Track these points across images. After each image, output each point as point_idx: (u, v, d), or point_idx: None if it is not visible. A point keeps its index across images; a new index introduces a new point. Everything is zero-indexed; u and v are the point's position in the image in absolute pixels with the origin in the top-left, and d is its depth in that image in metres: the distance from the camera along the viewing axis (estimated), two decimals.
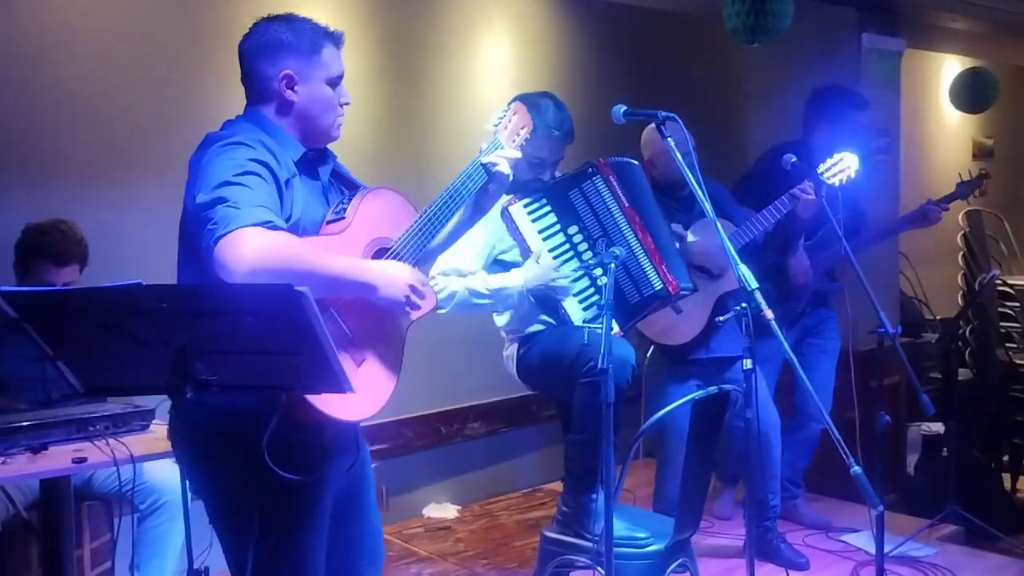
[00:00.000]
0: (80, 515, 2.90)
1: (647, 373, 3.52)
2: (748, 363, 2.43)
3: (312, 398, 1.80)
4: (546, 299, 2.93)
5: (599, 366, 2.23)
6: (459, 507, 4.46)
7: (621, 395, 2.68)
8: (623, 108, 2.62)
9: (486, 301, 2.91)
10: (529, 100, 3.01)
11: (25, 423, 2.47)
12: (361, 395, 1.84)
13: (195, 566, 1.83)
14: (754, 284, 2.38)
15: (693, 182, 2.45)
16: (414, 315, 2.04)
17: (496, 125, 2.35)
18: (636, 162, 3.12)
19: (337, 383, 1.70)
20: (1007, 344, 5.68)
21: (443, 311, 2.88)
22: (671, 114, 2.59)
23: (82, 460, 2.36)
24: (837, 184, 3.46)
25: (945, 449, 4.64)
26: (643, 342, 3.50)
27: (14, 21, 3.24)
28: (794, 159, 3.31)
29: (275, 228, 1.79)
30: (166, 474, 3.03)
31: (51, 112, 3.31)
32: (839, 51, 4.61)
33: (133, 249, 3.36)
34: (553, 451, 4.80)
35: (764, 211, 3.45)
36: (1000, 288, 5.98)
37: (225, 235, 1.73)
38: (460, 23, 4.49)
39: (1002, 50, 6.74)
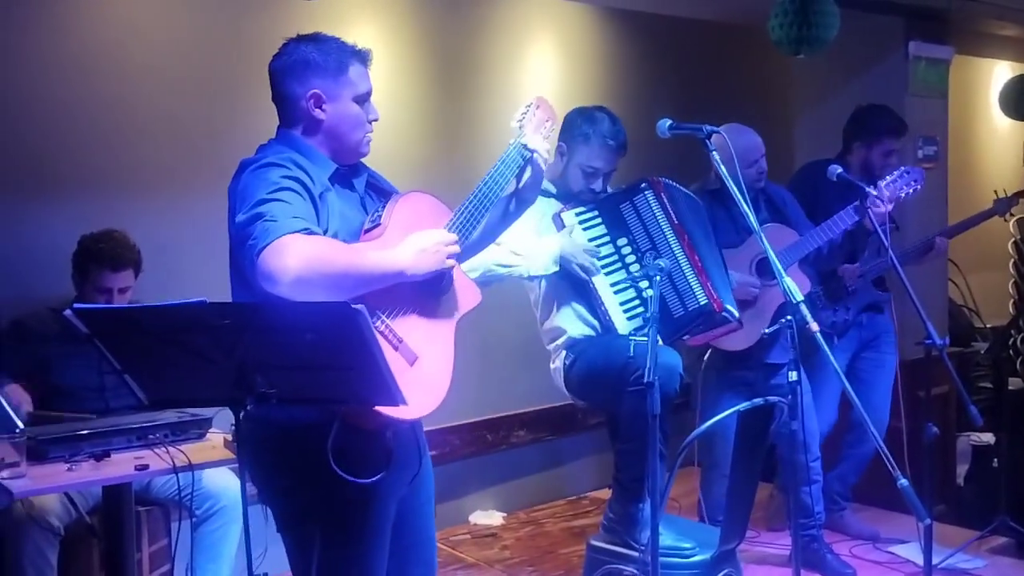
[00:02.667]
0: (139, 520, 2.99)
1: (703, 377, 3.54)
2: (793, 375, 2.45)
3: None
4: (575, 278, 2.96)
5: (646, 379, 2.26)
6: (505, 514, 4.51)
7: (669, 404, 2.71)
8: (668, 122, 2.64)
9: (519, 260, 2.92)
10: (585, 113, 3.09)
11: (88, 431, 2.56)
12: (417, 393, 1.87)
13: (253, 571, 1.89)
14: (799, 296, 2.39)
15: (736, 193, 2.47)
16: (463, 305, 2.07)
17: (520, 120, 2.33)
18: (696, 197, 3.19)
19: (391, 397, 1.75)
20: None
21: (475, 275, 2.83)
22: (716, 128, 2.61)
23: (144, 467, 2.43)
24: (903, 196, 3.47)
25: (995, 460, 4.57)
26: (700, 346, 3.52)
27: (69, 39, 3.35)
28: (840, 170, 3.32)
29: (312, 234, 1.85)
30: (221, 481, 3.12)
31: (104, 128, 3.42)
32: (886, 60, 4.59)
33: (183, 262, 3.47)
34: (598, 459, 4.84)
35: (830, 221, 3.46)
36: None
37: (266, 246, 1.79)
38: (506, 36, 4.55)
39: None
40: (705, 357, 3.56)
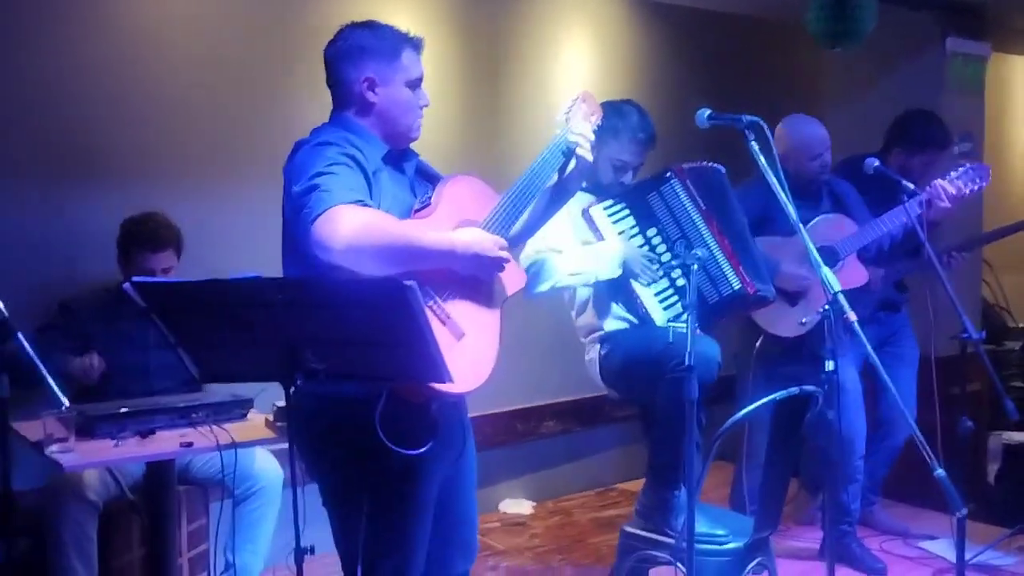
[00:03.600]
0: (178, 499, 3.04)
1: (753, 364, 3.53)
2: (830, 364, 2.46)
3: None
4: (627, 292, 2.98)
5: (686, 363, 2.28)
6: (534, 503, 4.54)
7: (705, 393, 2.73)
8: (707, 112, 2.64)
9: (588, 266, 2.95)
10: (613, 106, 3.09)
11: (133, 409, 2.61)
12: (463, 368, 1.91)
13: (300, 544, 1.93)
14: (837, 287, 2.40)
15: (777, 187, 2.47)
16: (508, 287, 2.11)
17: (567, 114, 2.38)
18: (719, 167, 3.15)
19: (438, 374, 1.78)
20: None
21: (544, 288, 2.93)
22: (755, 118, 2.61)
23: (188, 444, 2.48)
24: (967, 195, 3.45)
25: None
26: (753, 330, 3.52)
27: (111, 30, 3.40)
28: (876, 163, 3.32)
29: (366, 206, 1.89)
30: (260, 462, 3.17)
31: (146, 116, 3.47)
32: (923, 55, 4.57)
33: (223, 244, 3.52)
34: (626, 451, 4.86)
35: (890, 212, 3.45)
36: None
37: (320, 215, 1.84)
38: (539, 28, 4.57)
39: None
40: (757, 344, 3.56)
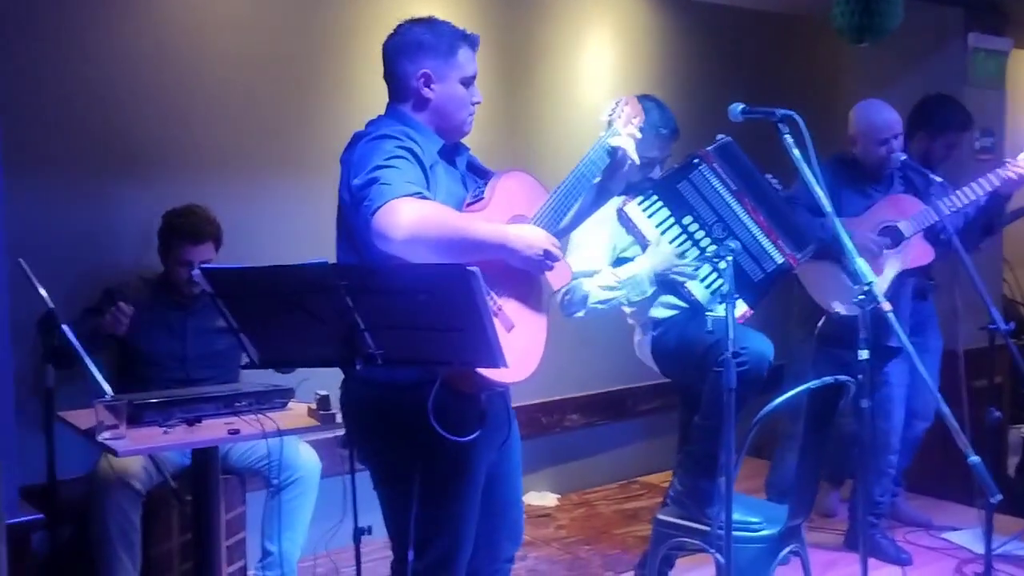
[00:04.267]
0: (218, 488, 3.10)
1: (816, 343, 3.56)
2: (864, 353, 2.49)
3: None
4: (671, 284, 3.03)
5: (727, 349, 2.33)
6: (558, 496, 4.58)
7: (755, 388, 2.78)
8: (741, 106, 2.66)
9: (618, 292, 3.00)
10: None
11: (180, 398, 2.66)
12: (512, 359, 1.95)
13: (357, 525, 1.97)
14: (872, 278, 2.43)
15: (808, 174, 2.48)
16: (555, 283, 2.17)
17: (610, 115, 2.44)
18: (729, 137, 3.16)
19: (493, 359, 1.83)
20: None
21: (580, 314, 3.00)
22: (789, 111, 2.64)
23: (235, 432, 2.53)
24: None
25: None
26: (813, 313, 3.55)
27: (151, 27, 3.46)
28: (904, 156, 3.36)
29: (424, 199, 1.94)
30: (299, 452, 3.22)
31: (184, 111, 3.53)
32: (945, 50, 4.61)
33: (261, 237, 3.58)
34: (648, 445, 4.91)
35: (963, 188, 3.47)
36: None
37: (381, 206, 1.89)
38: (565, 25, 4.61)
39: None
40: (819, 325, 3.57)
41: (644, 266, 3.00)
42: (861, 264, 2.46)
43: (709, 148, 3.12)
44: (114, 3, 3.39)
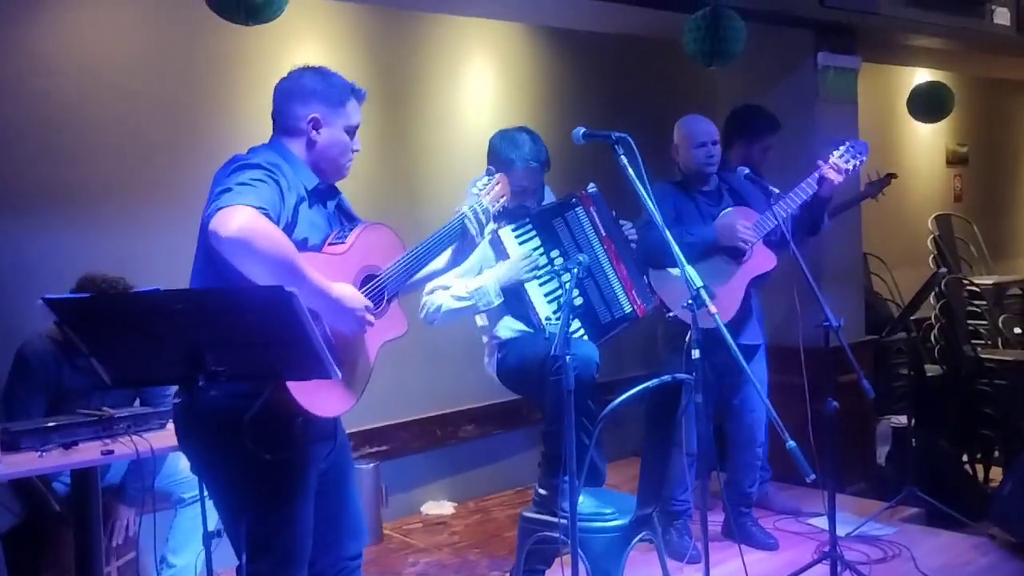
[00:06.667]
0: (107, 510, 3.20)
1: (685, 356, 3.77)
2: (696, 353, 2.75)
3: (294, 393, 2.11)
4: (516, 296, 3.26)
5: (553, 351, 2.55)
6: (455, 504, 4.78)
7: (587, 389, 3.02)
8: (582, 130, 2.90)
9: (468, 303, 3.25)
10: (507, 137, 3.35)
11: (55, 423, 2.79)
12: (333, 396, 2.17)
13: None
14: (699, 283, 2.67)
15: (640, 188, 2.71)
16: (390, 333, 2.39)
17: (480, 190, 2.70)
18: (595, 188, 3.43)
19: (323, 369, 2.02)
20: (974, 341, 5.96)
21: (434, 324, 3.26)
22: (623, 135, 2.86)
23: (109, 452, 2.68)
24: (851, 170, 3.80)
25: (913, 440, 4.91)
26: (681, 328, 3.75)
27: (33, 60, 3.58)
28: (747, 171, 3.63)
29: (269, 219, 2.08)
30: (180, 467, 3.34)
31: (68, 145, 3.65)
32: (797, 70, 4.94)
33: (146, 269, 3.68)
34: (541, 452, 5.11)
35: (790, 194, 3.73)
36: (968, 287, 6.27)
37: (223, 207, 2.04)
38: (445, 53, 4.84)
39: (968, 62, 7.03)
40: (687, 338, 3.78)
41: (490, 278, 3.23)
42: (690, 271, 2.71)
43: (589, 192, 3.35)
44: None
